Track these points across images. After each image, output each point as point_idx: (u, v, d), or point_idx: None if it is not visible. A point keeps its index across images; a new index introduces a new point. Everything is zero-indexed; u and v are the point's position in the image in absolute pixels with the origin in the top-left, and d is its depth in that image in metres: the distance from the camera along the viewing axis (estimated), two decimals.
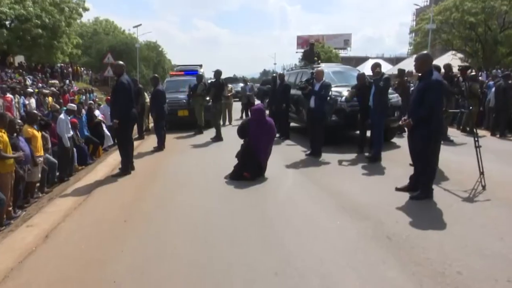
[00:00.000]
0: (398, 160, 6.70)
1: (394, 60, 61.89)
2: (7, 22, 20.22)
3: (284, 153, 7.61)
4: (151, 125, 13.12)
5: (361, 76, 7.28)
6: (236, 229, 3.79)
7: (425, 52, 4.66)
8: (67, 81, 21.96)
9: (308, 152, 7.46)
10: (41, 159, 6.74)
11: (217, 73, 9.63)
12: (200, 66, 16.33)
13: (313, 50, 10.77)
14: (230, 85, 12.91)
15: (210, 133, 10.96)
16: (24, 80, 16.05)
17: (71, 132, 7.98)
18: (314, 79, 7.19)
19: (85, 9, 25.77)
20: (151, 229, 3.89)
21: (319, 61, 10.81)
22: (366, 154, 7.35)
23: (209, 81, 10.70)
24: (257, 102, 13.19)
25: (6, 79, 15.30)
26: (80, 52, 29.22)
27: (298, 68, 10.82)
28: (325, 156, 7.12)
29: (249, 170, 5.61)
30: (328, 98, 7.05)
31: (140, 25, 37.40)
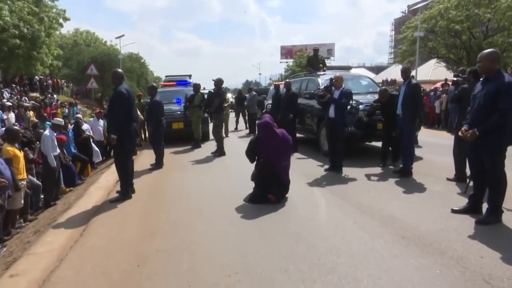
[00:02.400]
0: (431, 174, 6.07)
1: (375, 69, 62.55)
2: None
3: (299, 169, 6.86)
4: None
5: (383, 93, 6.67)
6: (283, 270, 2.99)
7: (492, 49, 4.01)
8: (48, 94, 20.74)
9: (327, 167, 6.75)
10: (24, 182, 5.80)
11: (219, 81, 8.86)
12: (189, 76, 15.57)
13: (317, 56, 10.17)
14: (228, 95, 12.12)
15: (208, 146, 10.18)
16: (1, 94, 14.87)
17: (58, 150, 7.03)
18: (333, 86, 6.52)
19: (66, 19, 24.68)
20: (175, 277, 3.04)
21: (325, 68, 10.21)
22: (391, 167, 6.71)
23: (208, 91, 9.90)
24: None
25: None
26: (60, 63, 27.97)
27: (301, 75, 10.15)
28: (346, 171, 6.43)
29: (273, 192, 4.83)
30: (349, 107, 6.38)
31: (123, 35, 36.43)
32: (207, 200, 5.24)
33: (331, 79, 6.49)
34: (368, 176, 6.05)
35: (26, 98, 15.17)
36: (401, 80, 6.13)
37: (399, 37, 36.69)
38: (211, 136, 12.13)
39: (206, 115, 11.35)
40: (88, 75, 22.63)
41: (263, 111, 14.29)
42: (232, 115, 15.60)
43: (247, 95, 14.51)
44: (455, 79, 6.09)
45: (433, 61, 32.12)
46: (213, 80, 8.90)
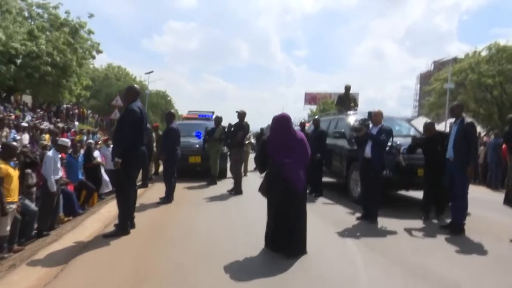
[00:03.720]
0: (487, 232, 5.03)
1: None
2: (18, 60, 19.49)
3: (326, 216, 5.95)
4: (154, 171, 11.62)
5: (430, 127, 5.85)
6: None
7: None
8: (71, 123, 20.81)
9: (359, 215, 5.81)
10: (14, 206, 5.12)
11: (243, 114, 8.23)
12: (213, 112, 15.17)
13: (349, 95, 9.49)
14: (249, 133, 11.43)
15: (225, 184, 9.38)
16: (24, 117, 14.82)
17: (60, 174, 6.40)
18: (371, 122, 5.74)
19: (99, 52, 25.41)
20: None
21: (356, 107, 9.49)
22: (434, 221, 5.70)
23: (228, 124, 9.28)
24: None
25: (4, 114, 14.07)
26: (88, 94, 28.55)
27: (331, 114, 9.45)
28: (381, 221, 5.47)
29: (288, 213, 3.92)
30: (388, 147, 5.54)
31: (152, 72, 37.38)
32: (217, 243, 4.37)
33: (369, 113, 5.72)
34: (409, 231, 5.05)
35: (46, 122, 15.02)
36: None
37: (427, 89, 36.10)
38: (228, 174, 11.41)
39: (225, 150, 10.71)
40: (113, 106, 22.79)
41: None
42: (251, 155, 14.88)
43: None
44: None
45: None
46: (236, 112, 8.29)
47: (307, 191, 8.21)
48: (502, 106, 29.96)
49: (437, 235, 4.89)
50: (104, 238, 4.49)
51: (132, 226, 4.87)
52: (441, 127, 23.30)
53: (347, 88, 9.44)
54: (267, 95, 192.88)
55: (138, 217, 5.19)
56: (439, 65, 42.46)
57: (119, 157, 4.64)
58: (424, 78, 72.43)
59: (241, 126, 8.08)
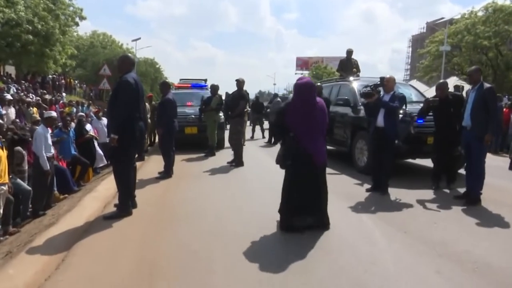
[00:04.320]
0: (504, 202, 4.87)
1: None
2: None
3: (335, 188, 5.65)
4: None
5: (443, 86, 5.50)
6: None
7: None
8: (58, 94, 20.04)
9: (368, 186, 5.61)
10: (4, 188, 4.80)
11: (242, 82, 7.80)
12: (205, 80, 14.57)
13: (351, 60, 9.05)
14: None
15: (224, 155, 9.11)
16: (8, 89, 14.09)
17: (52, 151, 6.03)
18: (382, 89, 5.40)
19: (82, 18, 24.16)
20: None
21: (358, 73, 9.10)
22: (445, 190, 5.54)
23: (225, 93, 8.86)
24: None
25: None
26: (74, 63, 27.45)
27: (333, 80, 9.05)
28: (392, 192, 5.28)
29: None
30: (401, 115, 5.24)
31: (139, 38, 36.06)
32: (225, 222, 4.12)
33: (381, 78, 5.34)
34: (423, 203, 4.86)
35: (32, 95, 14.33)
36: None
37: (422, 52, 35.49)
38: (226, 144, 11.11)
39: (222, 120, 10.34)
40: (101, 75, 21.94)
41: None
42: (248, 125, 14.50)
43: (264, 103, 13.36)
44: None
45: (454, 78, 30.85)
46: (236, 80, 7.85)
47: None
48: (497, 68, 29.74)
49: (453, 206, 4.71)
50: (105, 220, 4.22)
51: (134, 205, 4.60)
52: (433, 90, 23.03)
53: (349, 52, 8.99)
54: (257, 61, 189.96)
55: (139, 195, 4.91)
56: (433, 27, 41.63)
57: (115, 133, 4.29)
58: (417, 41, 71.41)
59: (241, 95, 7.68)
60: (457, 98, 5.37)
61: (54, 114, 6.34)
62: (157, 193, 5.51)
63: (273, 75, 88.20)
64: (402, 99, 5.24)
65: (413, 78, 45.99)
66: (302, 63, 66.92)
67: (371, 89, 5.20)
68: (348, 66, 8.85)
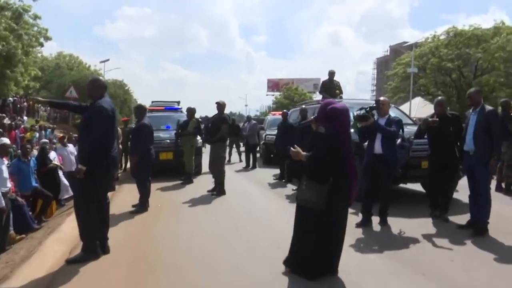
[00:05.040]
0: (509, 230, 4.58)
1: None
2: None
3: None
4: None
5: (443, 102, 5.20)
6: None
7: None
8: (18, 117, 18.75)
9: (359, 221, 5.03)
10: None
11: (222, 105, 7.33)
12: (178, 102, 14.01)
13: (333, 81, 8.83)
14: None
15: (202, 182, 8.57)
16: None
17: (9, 185, 5.26)
18: (376, 112, 5.05)
19: (48, 38, 23.14)
20: None
21: (341, 95, 8.87)
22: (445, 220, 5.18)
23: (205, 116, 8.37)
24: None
25: None
26: (38, 85, 26.12)
27: (314, 102, 8.76)
28: (390, 222, 4.89)
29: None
30: (400, 140, 4.89)
31: (108, 60, 35.40)
32: (218, 270, 3.54)
33: (377, 101, 5.01)
34: (428, 235, 4.48)
35: None
36: None
37: (390, 73, 36.61)
38: (204, 170, 10.52)
39: (200, 144, 9.79)
40: (67, 97, 20.81)
41: (262, 143, 12.83)
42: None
43: (241, 124, 12.91)
44: None
45: (418, 99, 31.79)
46: (217, 103, 7.36)
47: (295, 188, 7.57)
48: (460, 89, 30.98)
49: (462, 239, 4.34)
50: (68, 264, 3.56)
51: (106, 250, 3.94)
52: (404, 108, 23.56)
53: (332, 74, 8.78)
54: (229, 82, 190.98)
55: (112, 234, 4.25)
56: (397, 49, 43.34)
57: (83, 163, 3.68)
58: (381, 63, 74.27)
59: (223, 118, 7.19)
60: (455, 117, 5.10)
61: (6, 141, 5.59)
62: (133, 232, 4.84)
63: (244, 96, 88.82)
64: (399, 123, 4.91)
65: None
66: (273, 85, 67.57)
67: (366, 111, 4.83)
68: (331, 87, 8.62)
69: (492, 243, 4.18)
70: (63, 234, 4.89)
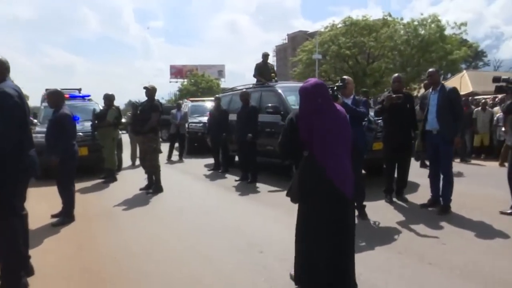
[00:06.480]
0: (477, 207, 4.71)
1: None
2: None
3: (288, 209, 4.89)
4: None
5: (400, 78, 5.08)
6: None
7: None
8: None
9: None
10: None
11: (152, 90, 6.31)
12: (79, 90, 12.21)
13: (267, 64, 8.41)
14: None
15: (126, 178, 7.58)
16: None
17: None
18: (339, 93, 4.72)
19: None
20: None
21: (276, 78, 8.51)
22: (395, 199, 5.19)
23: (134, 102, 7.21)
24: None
25: None
26: None
27: (251, 87, 8.22)
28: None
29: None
30: (366, 121, 4.67)
31: None
32: (175, 278, 2.85)
33: (342, 79, 4.64)
34: (404, 223, 4.35)
35: None
36: None
37: (294, 60, 38.03)
38: (125, 165, 9.31)
39: (120, 136, 8.55)
40: None
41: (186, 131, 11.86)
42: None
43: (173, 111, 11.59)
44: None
45: None
46: (145, 88, 6.33)
47: (238, 178, 7.05)
48: (356, 75, 33.70)
49: (435, 220, 4.28)
50: None
51: (30, 271, 2.95)
52: None
53: (265, 56, 8.31)
54: (123, 70, 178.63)
55: (35, 255, 3.27)
56: (293, 38, 45.44)
57: None
58: (280, 51, 77.11)
59: (154, 106, 6.20)
60: (410, 95, 5.08)
61: None
62: (60, 253, 3.75)
63: (142, 84, 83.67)
64: (366, 103, 4.69)
65: None
66: (176, 71, 65.14)
67: (333, 91, 4.45)
68: (265, 71, 8.18)
69: (464, 220, 4.25)
70: None
